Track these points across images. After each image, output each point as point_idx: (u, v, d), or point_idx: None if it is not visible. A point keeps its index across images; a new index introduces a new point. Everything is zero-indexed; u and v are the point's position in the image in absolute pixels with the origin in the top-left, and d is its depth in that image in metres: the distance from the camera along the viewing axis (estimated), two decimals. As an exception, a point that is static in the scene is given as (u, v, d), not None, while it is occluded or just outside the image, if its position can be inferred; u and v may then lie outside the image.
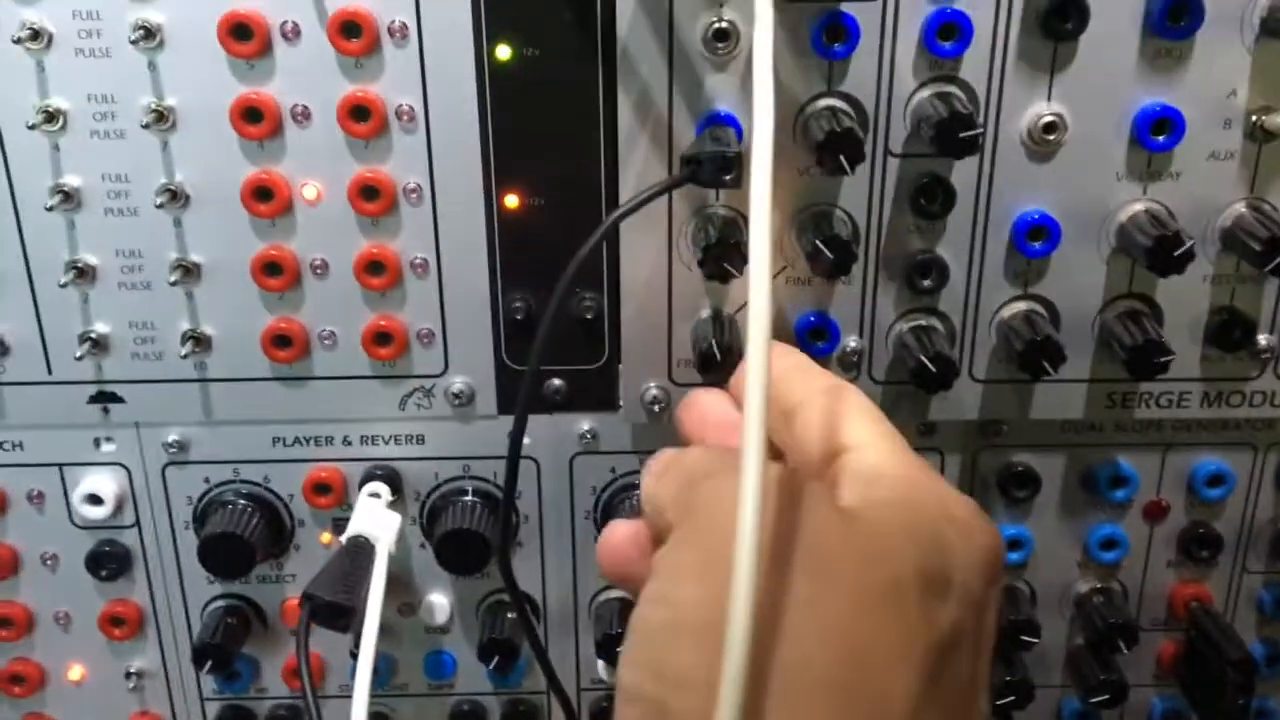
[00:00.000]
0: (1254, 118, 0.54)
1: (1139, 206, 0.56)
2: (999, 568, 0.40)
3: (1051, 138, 0.54)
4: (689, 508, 0.40)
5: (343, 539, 0.59)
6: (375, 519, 0.60)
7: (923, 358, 0.56)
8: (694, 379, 0.59)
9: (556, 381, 0.62)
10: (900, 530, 0.38)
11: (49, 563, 0.65)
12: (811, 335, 0.58)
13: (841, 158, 0.51)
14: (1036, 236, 0.56)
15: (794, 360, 0.50)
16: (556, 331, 0.59)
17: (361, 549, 0.58)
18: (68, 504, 0.63)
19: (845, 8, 0.53)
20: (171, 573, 0.65)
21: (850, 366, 0.59)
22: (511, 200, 0.58)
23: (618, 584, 0.52)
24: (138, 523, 0.64)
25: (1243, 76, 0.54)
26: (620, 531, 0.46)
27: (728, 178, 0.50)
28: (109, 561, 0.64)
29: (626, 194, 0.56)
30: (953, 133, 0.51)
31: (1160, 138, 0.54)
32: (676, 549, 0.40)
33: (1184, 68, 0.54)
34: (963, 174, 0.56)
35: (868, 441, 0.43)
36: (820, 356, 0.59)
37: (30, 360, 0.60)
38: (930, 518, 0.39)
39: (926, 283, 0.57)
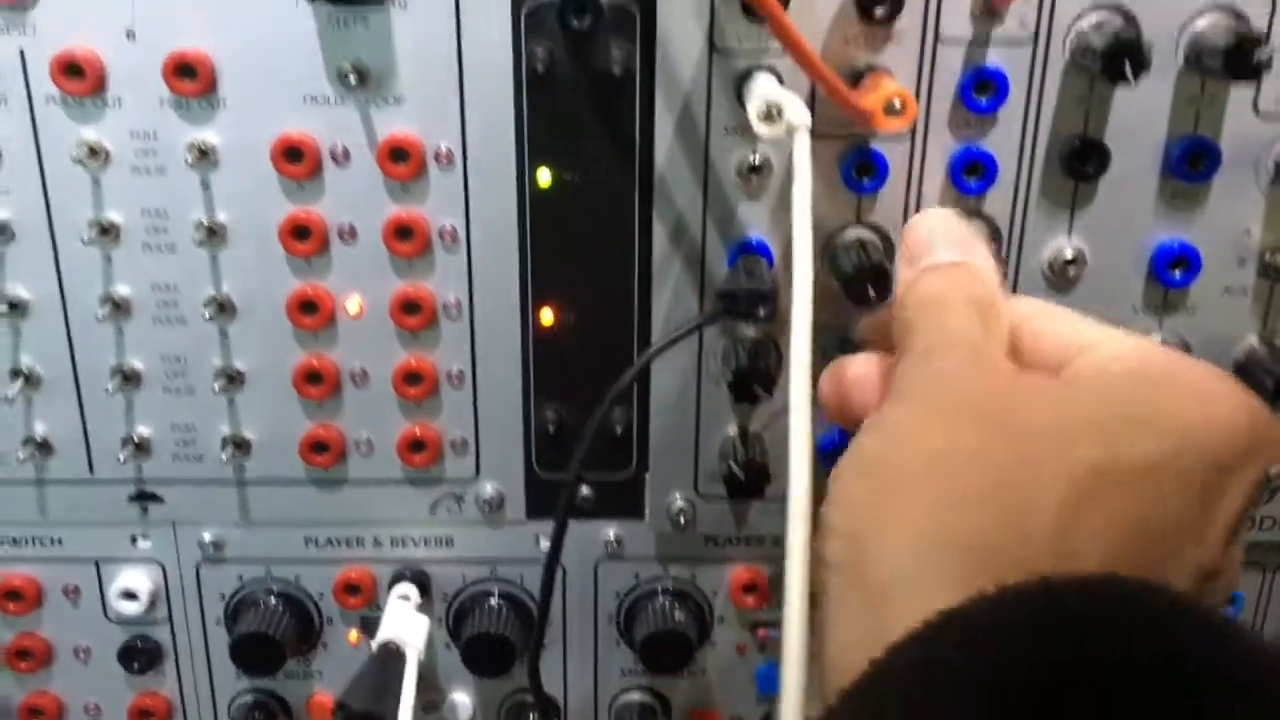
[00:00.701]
0: (1267, 256, 0.56)
1: (1155, 339, 0.58)
2: (1244, 450, 0.37)
3: (1072, 272, 0.56)
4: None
5: (374, 644, 0.60)
6: (405, 623, 0.61)
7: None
8: (720, 491, 0.61)
9: (584, 490, 0.63)
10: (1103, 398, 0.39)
11: (81, 655, 0.66)
12: (835, 454, 0.60)
13: (870, 290, 0.53)
14: (1056, 364, 0.58)
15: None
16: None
17: (392, 655, 0.59)
18: (103, 598, 0.65)
19: (875, 144, 0.55)
20: (201, 667, 0.67)
21: (873, 483, 0.61)
22: (547, 316, 0.59)
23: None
24: (170, 618, 0.66)
25: (1257, 217, 0.56)
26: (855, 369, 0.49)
27: (761, 313, 0.52)
28: (140, 655, 0.65)
29: (660, 315, 0.58)
30: (978, 269, 0.53)
31: (1177, 274, 0.56)
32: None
33: (1201, 208, 0.56)
34: (985, 302, 0.57)
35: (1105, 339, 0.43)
36: (844, 473, 0.60)
37: (73, 460, 0.61)
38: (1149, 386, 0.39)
39: (948, 406, 0.59)
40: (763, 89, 0.50)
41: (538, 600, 0.65)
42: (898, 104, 0.49)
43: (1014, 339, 0.44)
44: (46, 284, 0.58)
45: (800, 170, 0.45)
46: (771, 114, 0.49)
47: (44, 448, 0.61)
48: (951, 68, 0.54)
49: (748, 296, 0.51)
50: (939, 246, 0.46)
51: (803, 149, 0.46)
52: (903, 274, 0.47)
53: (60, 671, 0.66)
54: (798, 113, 0.48)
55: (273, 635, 0.62)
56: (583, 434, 0.51)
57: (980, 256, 0.46)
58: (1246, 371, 0.58)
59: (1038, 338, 0.44)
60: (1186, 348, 0.58)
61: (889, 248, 0.56)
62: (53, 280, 0.58)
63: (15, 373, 0.59)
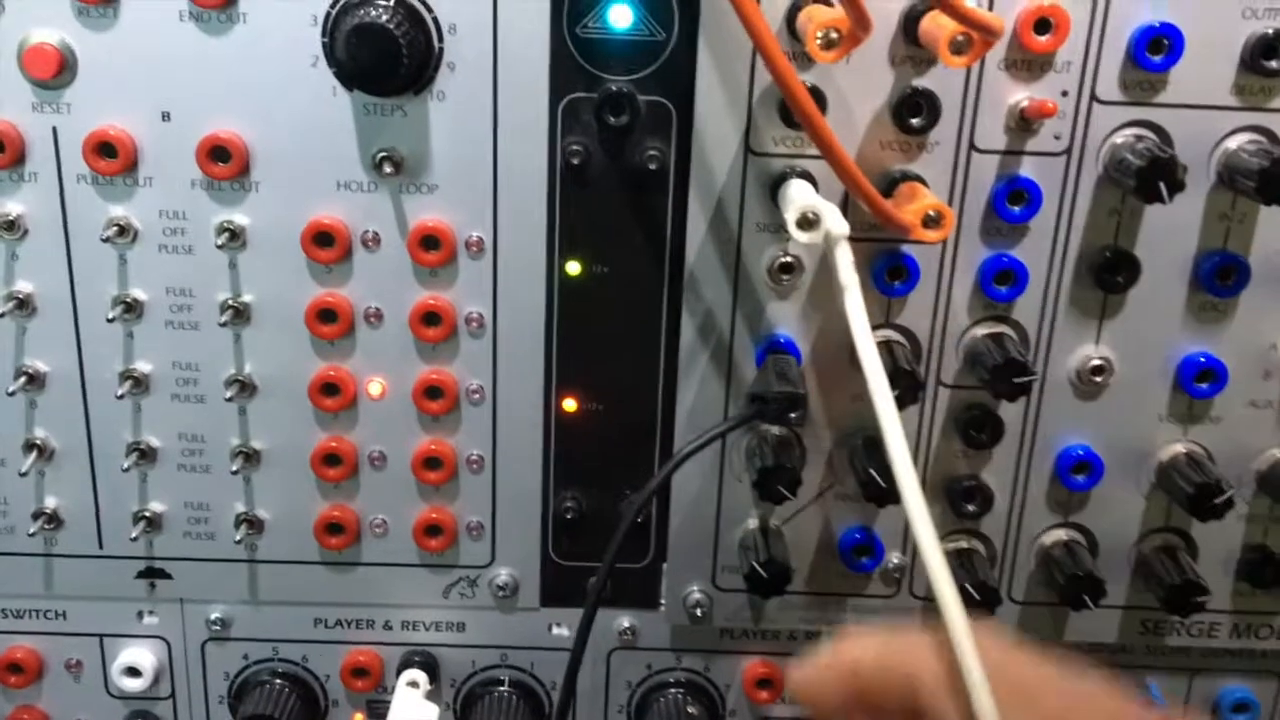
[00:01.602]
0: (1293, 371, 0.57)
1: (1179, 448, 0.58)
2: None
3: (1099, 379, 0.56)
4: None
5: (382, 732, 0.59)
6: (413, 711, 0.60)
7: (967, 585, 0.57)
8: (738, 584, 0.61)
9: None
10: None
11: (80, 730, 0.65)
12: (856, 551, 0.59)
13: (899, 394, 0.53)
14: (1080, 470, 0.58)
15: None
16: (604, 529, 0.61)
17: (401, 745, 0.58)
18: (105, 674, 0.64)
19: (907, 249, 0.55)
20: (202, 745, 0.66)
21: (892, 582, 0.60)
22: (570, 404, 0.59)
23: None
24: (173, 695, 0.64)
25: (1283, 331, 0.56)
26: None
27: (793, 416, 0.51)
28: (141, 733, 0.64)
29: (684, 408, 0.58)
30: (1007, 378, 0.53)
31: (1203, 385, 0.56)
32: None
33: (1228, 321, 0.56)
34: (1011, 406, 0.57)
35: None
36: (864, 572, 0.60)
37: (83, 534, 0.60)
38: None
39: (971, 507, 0.59)
40: (800, 196, 0.50)
41: (556, 693, 0.64)
42: (936, 216, 0.50)
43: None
44: (66, 357, 0.57)
45: (849, 283, 0.45)
46: (809, 221, 0.49)
47: (54, 520, 0.60)
48: (984, 177, 0.54)
49: (780, 400, 0.51)
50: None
51: (846, 260, 0.46)
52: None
53: (58, 746, 0.65)
54: (837, 223, 0.48)
55: (278, 718, 0.61)
56: (616, 528, 0.51)
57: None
58: (1268, 482, 0.58)
59: None
60: (1210, 457, 0.58)
61: (916, 350, 0.56)
62: (73, 354, 0.57)
63: (30, 445, 0.58)
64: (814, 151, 0.53)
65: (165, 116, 0.53)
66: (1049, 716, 0.36)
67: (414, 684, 0.61)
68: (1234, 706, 0.64)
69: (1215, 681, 0.65)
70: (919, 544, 0.41)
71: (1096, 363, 0.56)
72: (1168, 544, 0.59)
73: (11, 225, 0.55)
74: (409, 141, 0.54)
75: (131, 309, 0.56)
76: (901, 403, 0.53)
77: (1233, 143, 0.53)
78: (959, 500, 0.59)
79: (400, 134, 0.54)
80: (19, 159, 0.54)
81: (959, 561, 0.59)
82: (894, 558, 0.60)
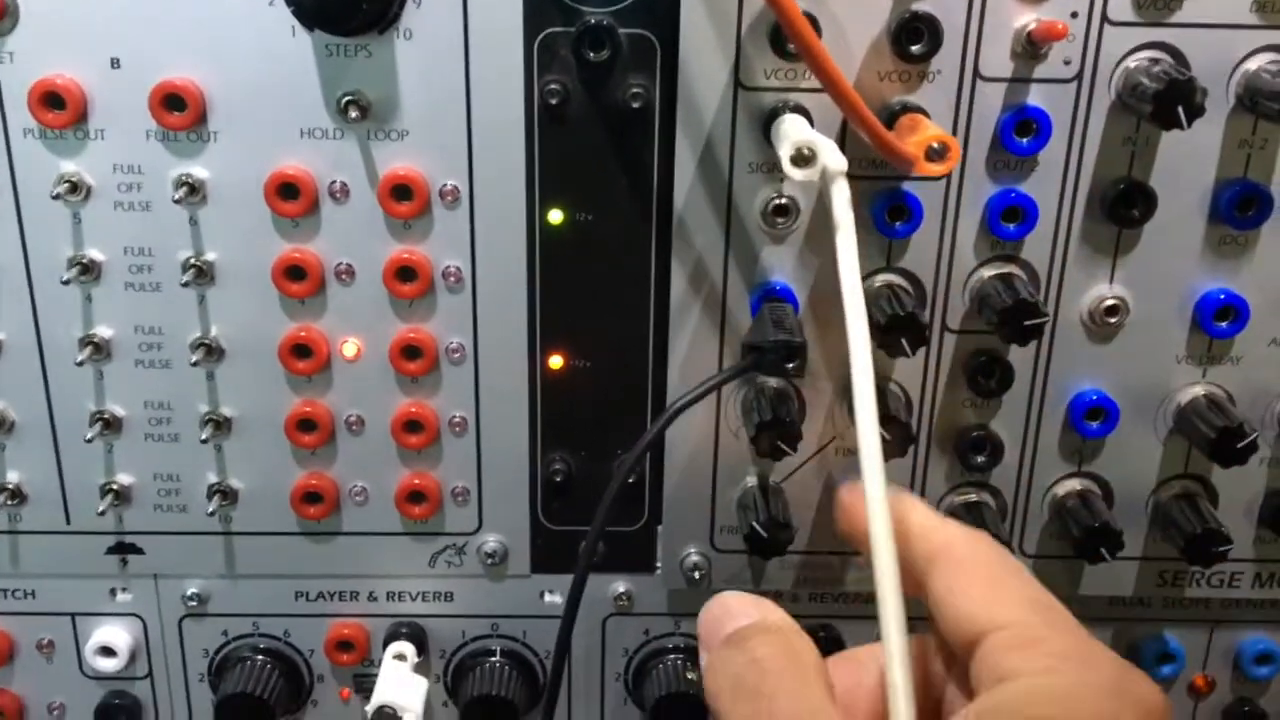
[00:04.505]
0: (1317, 306, 0.54)
1: (1198, 390, 0.55)
2: None
3: (1114, 320, 0.53)
4: None
5: (368, 709, 0.57)
6: (401, 685, 0.57)
7: (977, 541, 0.54)
8: (737, 545, 0.58)
9: (593, 542, 0.60)
10: None
11: (55, 713, 0.62)
12: (860, 508, 0.57)
13: (904, 341, 0.50)
14: (1095, 416, 0.55)
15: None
16: (594, 491, 0.58)
17: (389, 721, 0.56)
18: (79, 654, 0.61)
19: (908, 187, 0.52)
20: (183, 725, 0.63)
21: (898, 539, 0.58)
22: (556, 361, 0.56)
23: None
24: (150, 674, 0.62)
25: (1308, 265, 0.53)
26: None
27: (790, 367, 0.48)
28: (119, 714, 0.62)
29: (676, 362, 0.55)
30: (1018, 320, 0.50)
31: (1223, 324, 0.53)
32: None
33: (1249, 255, 0.53)
34: (1020, 352, 0.54)
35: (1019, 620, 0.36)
36: (868, 529, 0.57)
37: (48, 510, 0.58)
38: None
39: (980, 459, 0.56)
40: (795, 132, 0.47)
41: (549, 662, 0.62)
42: (940, 148, 0.46)
43: (924, 581, 0.38)
44: (22, 325, 0.54)
45: (843, 221, 0.42)
46: (804, 157, 0.45)
47: (17, 496, 0.57)
48: (990, 107, 0.51)
49: (778, 349, 0.48)
50: (733, 618, 0.40)
51: (843, 197, 0.43)
52: (701, 660, 0.41)
53: (33, 730, 0.63)
54: (834, 158, 0.45)
55: (262, 695, 0.58)
56: (607, 488, 0.48)
57: (776, 613, 0.40)
58: (1292, 426, 0.55)
59: (942, 604, 0.37)
60: (1230, 399, 0.55)
61: (921, 295, 0.53)
62: (29, 321, 0.54)
63: (-13, 419, 0.56)
64: (808, 85, 0.50)
65: (115, 63, 0.50)
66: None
67: (401, 656, 0.59)
68: (1256, 658, 0.62)
69: (1236, 633, 0.62)
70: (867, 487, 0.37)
71: (1110, 302, 0.53)
72: (1187, 491, 0.57)
73: (-45, 184, 0.52)
74: (375, 84, 0.51)
75: (88, 270, 0.53)
76: (906, 350, 0.50)
77: (1253, 64, 0.50)
78: (968, 452, 0.56)
79: (366, 76, 0.50)
80: (-41, 113, 0.51)
81: (969, 515, 0.56)
82: (900, 513, 0.57)
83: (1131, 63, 0.50)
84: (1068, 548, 0.56)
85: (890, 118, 0.50)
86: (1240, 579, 0.59)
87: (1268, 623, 0.62)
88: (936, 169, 0.46)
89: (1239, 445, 0.52)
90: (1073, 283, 0.53)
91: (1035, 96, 0.50)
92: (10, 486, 0.57)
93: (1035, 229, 0.52)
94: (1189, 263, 0.53)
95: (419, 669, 0.60)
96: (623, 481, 0.49)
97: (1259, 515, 0.57)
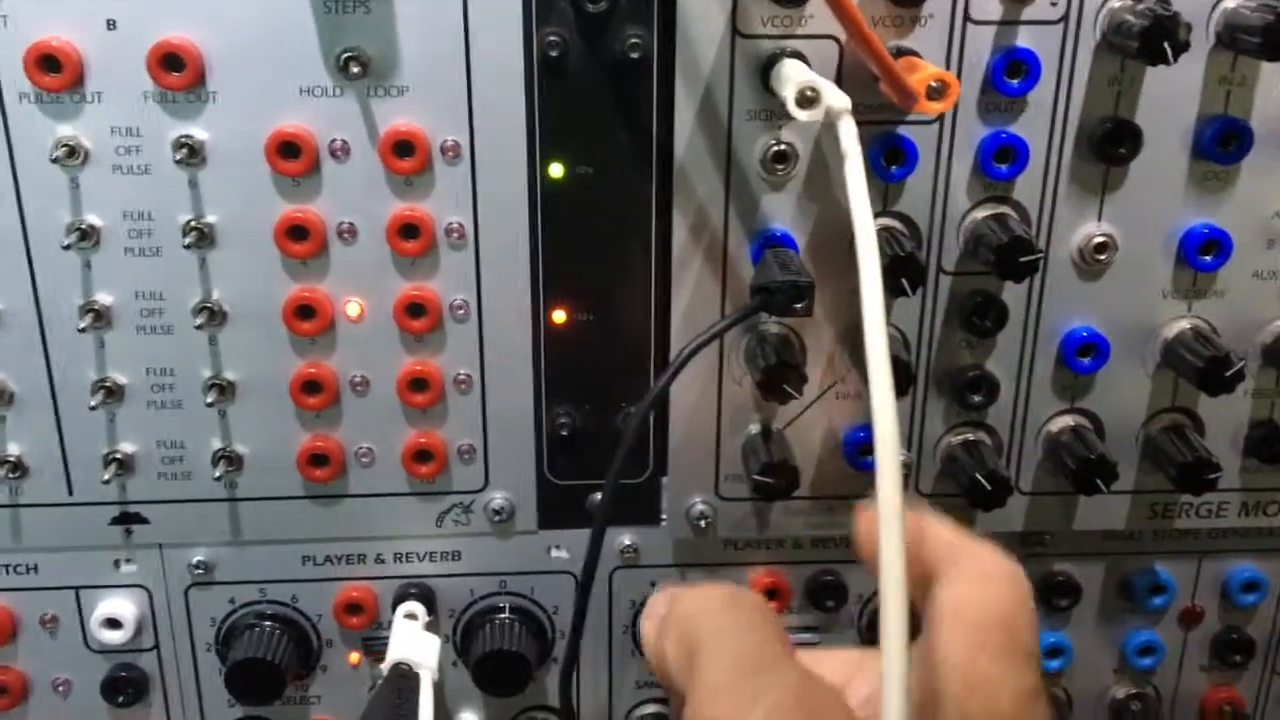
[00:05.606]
0: (1297, 238, 0.55)
1: (1184, 324, 0.56)
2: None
3: (1103, 257, 0.55)
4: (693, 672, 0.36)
5: (384, 666, 0.57)
6: (415, 643, 0.58)
7: (978, 475, 0.56)
8: (741, 493, 0.59)
9: (599, 496, 0.60)
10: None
11: (61, 689, 0.62)
12: (862, 450, 0.58)
13: (904, 281, 0.51)
14: (1086, 353, 0.57)
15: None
16: (600, 446, 0.59)
17: (405, 678, 0.56)
18: (83, 627, 0.61)
19: (903, 131, 0.53)
20: (191, 696, 0.63)
21: (898, 481, 0.59)
22: (559, 316, 0.57)
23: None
24: (157, 646, 0.62)
25: (1287, 198, 0.55)
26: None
27: (799, 306, 0.49)
28: (126, 687, 0.61)
29: (679, 312, 0.55)
30: (1013, 257, 0.51)
31: (1207, 258, 0.55)
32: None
33: (1231, 190, 0.55)
34: (1013, 291, 0.56)
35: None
36: (870, 470, 0.58)
37: (50, 481, 0.57)
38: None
39: (977, 398, 0.57)
40: (797, 74, 0.48)
41: (557, 617, 0.62)
42: (940, 86, 0.47)
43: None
44: (20, 293, 0.54)
45: (852, 153, 0.43)
46: (808, 99, 0.46)
47: (18, 469, 0.57)
48: (980, 50, 0.52)
49: (786, 290, 0.49)
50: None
51: (850, 132, 0.44)
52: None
53: (38, 707, 0.62)
54: (837, 97, 0.46)
55: (272, 661, 0.58)
56: (616, 443, 0.48)
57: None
58: (1275, 355, 0.57)
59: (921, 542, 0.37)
60: (1215, 332, 0.56)
61: (917, 238, 0.55)
62: (27, 289, 0.54)
63: (-14, 390, 0.55)
64: (805, 31, 0.51)
65: (111, 24, 0.50)
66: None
67: (412, 615, 0.59)
68: (1244, 586, 0.64)
69: (1224, 563, 0.64)
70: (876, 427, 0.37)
71: (1099, 240, 0.55)
72: (1175, 424, 0.58)
73: (-50, 151, 0.51)
74: (375, 39, 0.51)
75: (87, 236, 0.53)
76: (907, 289, 0.51)
77: (1231, 1, 0.51)
78: (964, 391, 0.57)
79: (365, 31, 0.51)
80: (-47, 78, 0.50)
81: (967, 453, 0.57)
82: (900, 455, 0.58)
83: (1116, 2, 0.51)
84: (1063, 483, 0.58)
85: (885, 62, 0.51)
86: (1227, 509, 0.61)
87: (1254, 551, 0.64)
88: (937, 106, 0.47)
89: (1227, 374, 0.54)
90: (1063, 221, 0.55)
91: (1024, 39, 0.52)
92: (11, 459, 0.56)
93: (1026, 170, 0.53)
94: (1173, 199, 0.55)
95: (429, 629, 0.60)
96: (637, 430, 0.50)
97: (1244, 445, 0.59)
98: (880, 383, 0.37)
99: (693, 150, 0.53)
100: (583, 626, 0.51)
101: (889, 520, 0.33)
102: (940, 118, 0.53)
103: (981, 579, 0.36)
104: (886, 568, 0.32)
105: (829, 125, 0.46)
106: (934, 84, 0.47)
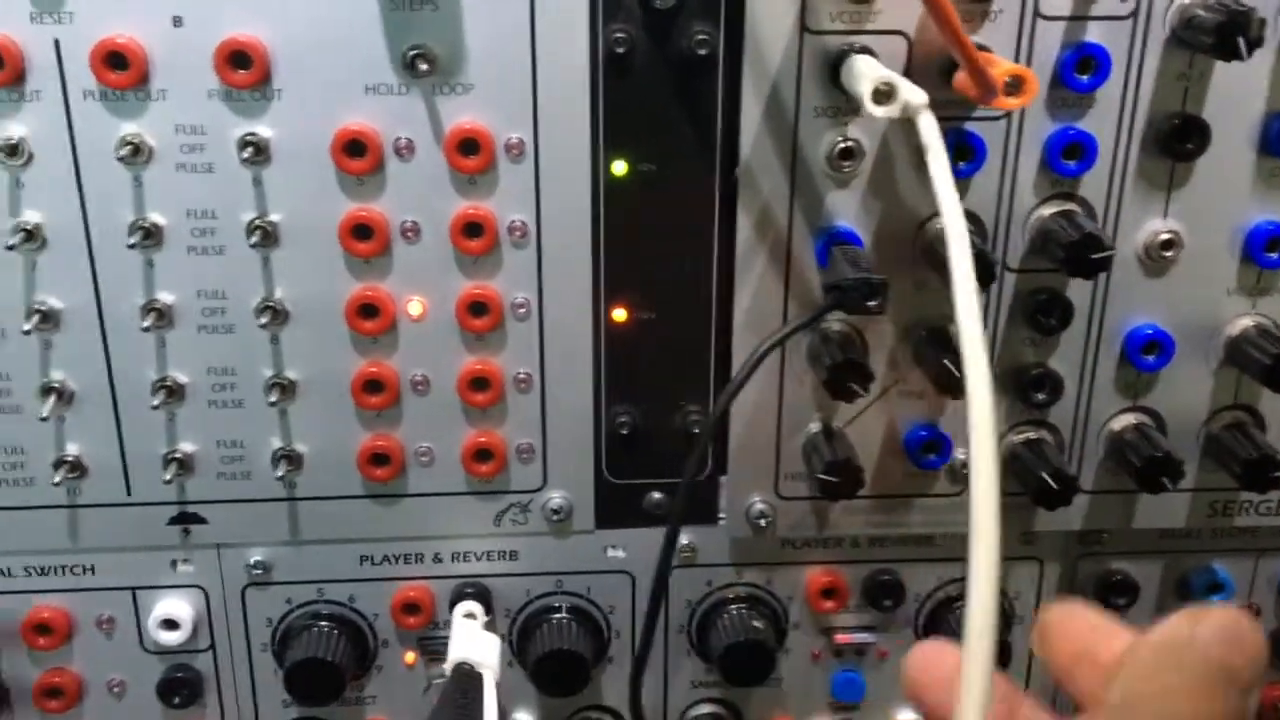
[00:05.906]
0: (1364, 235, 0.55)
1: (1248, 321, 0.56)
2: None
3: (1168, 254, 0.55)
4: None
5: (445, 666, 0.57)
6: (475, 642, 0.57)
7: (1044, 474, 0.55)
8: (801, 492, 0.59)
9: (656, 495, 0.60)
10: None
11: (116, 690, 0.61)
12: (924, 449, 0.57)
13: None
14: (1150, 350, 0.56)
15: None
16: (658, 445, 0.58)
17: (468, 678, 0.55)
18: (139, 628, 0.60)
19: (971, 126, 0.52)
20: (246, 696, 0.62)
21: (960, 479, 0.59)
22: (620, 314, 0.56)
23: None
24: (213, 646, 0.61)
25: (1356, 195, 0.55)
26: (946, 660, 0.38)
27: (872, 304, 0.49)
28: (181, 688, 0.61)
29: (742, 311, 0.55)
30: (1084, 254, 0.51)
31: (1273, 255, 0.55)
32: None
33: (1298, 186, 0.54)
34: (1077, 289, 0.55)
35: None
36: (931, 469, 0.58)
37: (109, 481, 0.57)
38: None
39: (1040, 396, 0.57)
40: (871, 70, 0.47)
41: (614, 617, 0.62)
42: (1015, 81, 0.47)
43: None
44: (82, 292, 0.53)
45: (935, 146, 0.43)
46: (884, 94, 0.46)
47: (77, 469, 0.56)
48: (1050, 46, 0.51)
49: (859, 288, 0.48)
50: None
51: (931, 126, 0.44)
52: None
53: (93, 709, 0.62)
54: (913, 92, 0.46)
55: (332, 661, 0.58)
56: (694, 440, 0.48)
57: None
58: (1339, 354, 0.57)
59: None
60: (1278, 328, 0.56)
61: (983, 234, 0.54)
62: (88, 288, 0.53)
63: (47, 389, 0.55)
64: (873, 27, 0.51)
65: (177, 21, 0.50)
66: None
67: (471, 615, 0.59)
68: (1301, 584, 0.64)
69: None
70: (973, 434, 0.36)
71: (1166, 236, 0.54)
72: (1238, 420, 0.58)
73: (14, 150, 0.51)
74: (441, 37, 0.50)
75: (150, 235, 0.52)
76: (981, 286, 0.51)
77: (1303, -4, 0.51)
78: (1028, 389, 0.57)
79: (431, 29, 0.50)
80: (19, 76, 0.50)
81: (1031, 452, 0.57)
82: (961, 454, 0.58)
83: (1186, -2, 0.51)
84: (1124, 481, 0.58)
85: (953, 58, 0.50)
86: (1287, 506, 0.61)
87: (1312, 549, 0.64)
88: (1015, 101, 0.47)
89: (1295, 370, 0.54)
90: (1129, 218, 0.55)
91: (1093, 34, 0.51)
92: (70, 459, 0.56)
93: (1093, 166, 0.53)
94: (1240, 195, 0.54)
95: (485, 629, 0.60)
96: (712, 430, 0.49)
97: (1306, 443, 0.59)
98: (980, 397, 0.36)
99: (759, 147, 0.53)
100: (654, 629, 0.51)
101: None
102: (1008, 114, 0.52)
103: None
104: None
105: (897, 121, 0.46)
106: (1010, 79, 0.47)
